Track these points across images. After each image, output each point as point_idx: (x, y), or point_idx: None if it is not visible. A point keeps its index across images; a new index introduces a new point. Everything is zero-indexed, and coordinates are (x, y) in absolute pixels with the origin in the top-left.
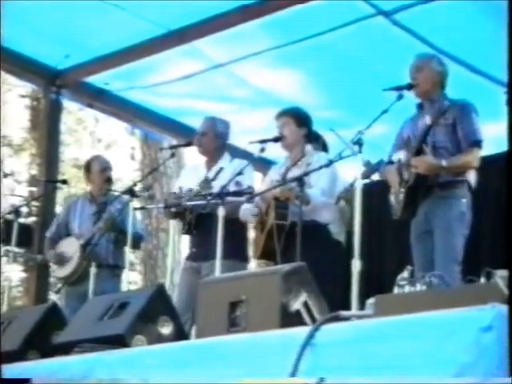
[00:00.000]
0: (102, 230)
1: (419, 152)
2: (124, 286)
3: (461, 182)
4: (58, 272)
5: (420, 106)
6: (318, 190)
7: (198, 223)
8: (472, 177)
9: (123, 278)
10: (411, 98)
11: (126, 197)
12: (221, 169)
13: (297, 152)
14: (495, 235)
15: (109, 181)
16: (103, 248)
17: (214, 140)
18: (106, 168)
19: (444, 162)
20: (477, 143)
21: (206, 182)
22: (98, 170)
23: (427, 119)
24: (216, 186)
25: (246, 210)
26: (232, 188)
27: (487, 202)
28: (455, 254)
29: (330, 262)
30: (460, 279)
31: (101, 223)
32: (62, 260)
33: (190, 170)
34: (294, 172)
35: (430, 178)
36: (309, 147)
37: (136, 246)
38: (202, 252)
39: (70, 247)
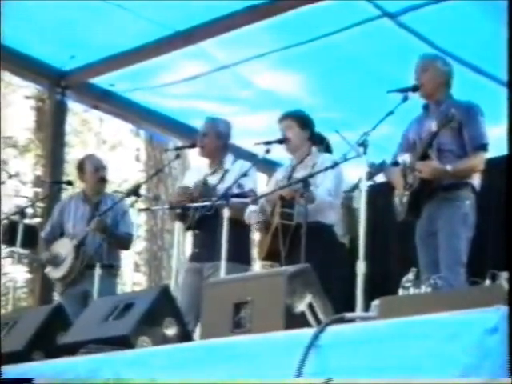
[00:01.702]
0: (93, 232)
1: (425, 157)
2: (128, 287)
3: (464, 184)
4: (52, 273)
5: (426, 107)
6: (324, 191)
7: (201, 223)
8: (476, 179)
9: (120, 277)
10: (416, 100)
11: (127, 198)
12: (226, 171)
13: (302, 153)
14: (499, 237)
15: (103, 180)
16: (97, 248)
17: (216, 140)
18: (99, 168)
19: (449, 167)
20: (482, 147)
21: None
22: (91, 170)
23: (433, 126)
24: (220, 189)
25: (251, 214)
26: (234, 190)
27: (491, 204)
28: (459, 256)
29: (335, 264)
30: (465, 281)
31: (92, 225)
32: (56, 261)
33: (193, 172)
34: (300, 172)
35: (434, 182)
36: (314, 149)
37: (126, 246)
38: (204, 253)
39: (64, 248)
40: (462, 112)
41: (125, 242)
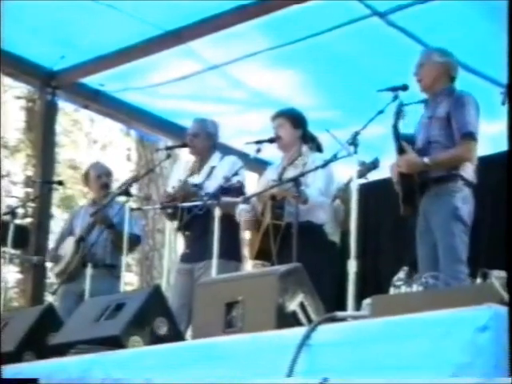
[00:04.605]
0: (94, 224)
1: (402, 151)
2: (120, 287)
3: (453, 176)
4: (53, 269)
5: (425, 102)
6: (315, 191)
7: (191, 224)
8: (468, 171)
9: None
10: (410, 99)
11: (121, 198)
12: (212, 167)
13: (293, 152)
14: (492, 236)
15: (106, 187)
16: (100, 247)
17: (206, 140)
18: (101, 174)
19: (426, 159)
20: (469, 135)
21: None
22: (94, 177)
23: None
24: (209, 186)
25: (242, 211)
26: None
27: (485, 202)
28: (457, 254)
29: (326, 263)
30: (466, 278)
31: (93, 217)
32: (57, 258)
33: (180, 168)
34: (291, 172)
35: (414, 175)
36: (305, 148)
37: (131, 247)
38: (195, 253)
39: (67, 245)
40: (450, 102)
41: (131, 241)
